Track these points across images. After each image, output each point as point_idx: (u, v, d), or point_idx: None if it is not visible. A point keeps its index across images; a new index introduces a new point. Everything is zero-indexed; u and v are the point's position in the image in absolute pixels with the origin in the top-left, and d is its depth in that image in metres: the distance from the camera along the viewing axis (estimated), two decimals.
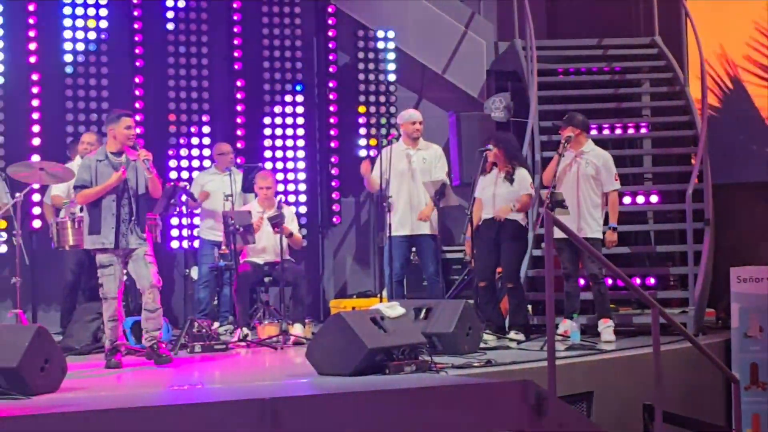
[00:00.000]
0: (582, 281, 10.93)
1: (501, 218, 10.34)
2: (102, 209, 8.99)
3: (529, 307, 11.02)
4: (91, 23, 12.92)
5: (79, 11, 12.88)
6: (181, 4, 13.33)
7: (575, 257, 10.43)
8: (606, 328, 10.27)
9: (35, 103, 12.63)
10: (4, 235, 11.43)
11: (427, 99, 14.40)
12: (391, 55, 14.19)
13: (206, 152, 13.14)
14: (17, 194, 10.40)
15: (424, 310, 9.40)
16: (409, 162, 11.03)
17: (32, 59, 12.67)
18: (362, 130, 13.99)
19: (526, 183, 10.43)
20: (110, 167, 9.06)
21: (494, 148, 10.44)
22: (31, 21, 12.69)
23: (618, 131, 13.56)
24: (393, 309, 8.46)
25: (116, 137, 9.12)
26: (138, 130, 11.20)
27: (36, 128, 12.59)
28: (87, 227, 9.13)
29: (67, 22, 12.85)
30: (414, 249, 11.24)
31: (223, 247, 11.07)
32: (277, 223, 10.77)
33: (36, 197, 12.21)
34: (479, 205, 10.56)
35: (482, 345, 9.57)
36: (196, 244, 12.19)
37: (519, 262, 10.66)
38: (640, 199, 12.93)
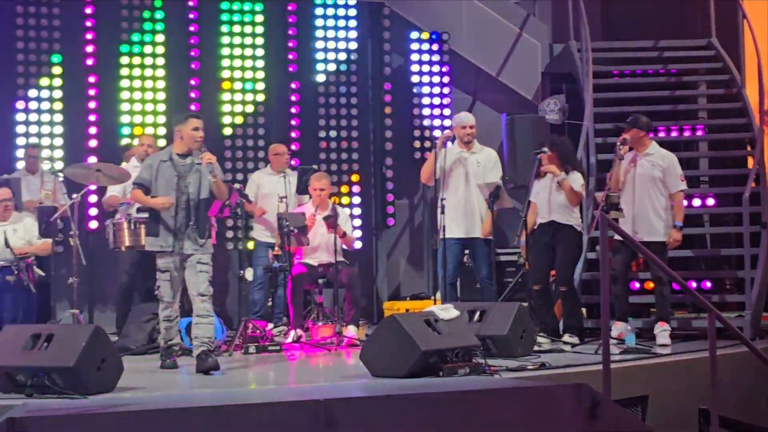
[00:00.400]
0: (637, 284, 10.86)
1: (552, 174, 10.31)
2: (161, 212, 8.85)
3: (584, 310, 10.96)
4: (148, 25, 13.04)
5: (136, 15, 13.01)
6: (236, 6, 13.40)
7: (628, 260, 10.40)
8: (662, 331, 10.19)
9: (92, 105, 12.77)
10: (62, 235, 11.53)
11: (481, 101, 14.38)
12: (446, 57, 14.17)
13: (261, 154, 13.19)
14: (74, 195, 10.50)
15: (478, 313, 9.38)
16: (463, 165, 11.00)
17: (89, 61, 12.81)
18: (416, 132, 13.98)
19: (577, 184, 10.36)
20: (173, 169, 8.88)
21: (549, 150, 10.39)
22: (88, 24, 12.84)
23: (674, 134, 13.48)
24: (447, 311, 8.46)
25: (183, 138, 8.93)
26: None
27: (93, 130, 12.73)
28: (146, 228, 9.10)
29: (124, 25, 12.99)
30: (467, 252, 11.21)
31: (277, 249, 11.11)
32: (330, 222, 10.79)
33: (93, 198, 12.33)
34: (534, 210, 10.51)
35: (536, 348, 9.54)
36: (251, 245, 12.23)
37: (573, 266, 10.62)
38: (696, 202, 12.84)
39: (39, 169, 11.81)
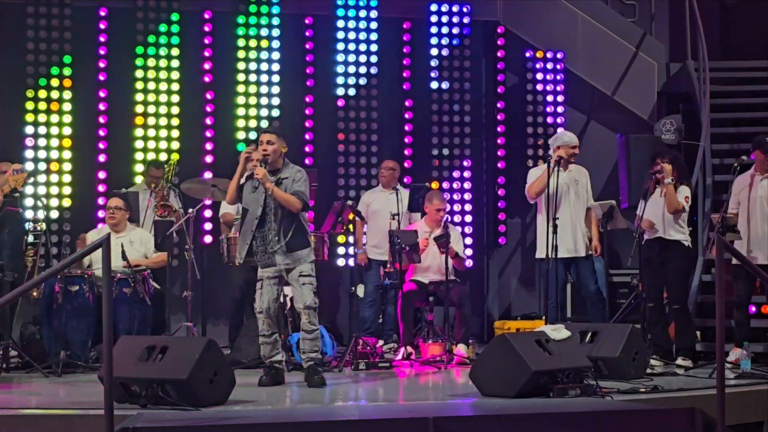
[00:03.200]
0: (753, 308, 10.65)
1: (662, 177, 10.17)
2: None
3: (698, 333, 10.77)
4: (264, 43, 13.20)
5: (252, 32, 13.19)
6: (352, 23, 13.49)
7: (748, 284, 10.19)
8: None
9: (208, 121, 12.96)
10: (177, 249, 11.70)
11: (595, 120, 14.26)
12: (560, 76, 14.08)
13: (374, 171, 13.24)
14: (190, 210, 10.65)
15: (589, 334, 9.29)
16: (564, 184, 10.80)
17: (206, 78, 13.01)
18: (530, 151, 13.91)
19: (681, 196, 10.20)
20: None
21: (669, 164, 10.24)
22: (206, 41, 13.05)
23: None
24: (559, 331, 8.40)
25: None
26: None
27: (209, 146, 12.90)
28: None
29: (240, 42, 13.17)
30: (570, 272, 11.03)
31: (389, 266, 11.13)
32: (442, 243, 10.79)
33: (208, 213, 12.48)
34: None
35: (649, 370, 9.41)
36: (365, 262, 12.25)
37: (684, 283, 10.43)
38: None
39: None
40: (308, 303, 8.94)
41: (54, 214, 12.42)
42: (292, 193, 8.92)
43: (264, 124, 13.05)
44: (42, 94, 12.59)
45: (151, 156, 12.63)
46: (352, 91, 13.48)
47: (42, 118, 12.55)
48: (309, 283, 8.97)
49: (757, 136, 10.46)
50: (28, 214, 11.48)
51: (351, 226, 11.53)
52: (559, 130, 13.35)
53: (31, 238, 10.92)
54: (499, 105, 13.96)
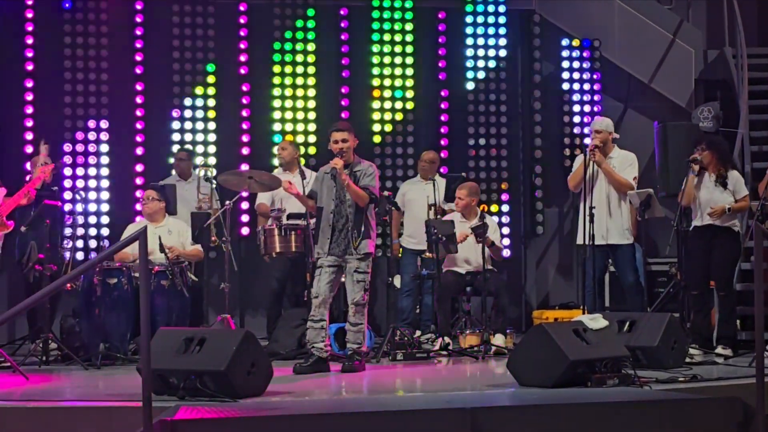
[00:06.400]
0: None
1: (714, 215, 10.05)
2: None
3: (738, 321, 10.70)
4: (300, 34, 13.20)
5: (288, 24, 13.20)
6: (387, 14, 13.48)
7: None
8: None
9: (245, 113, 12.98)
10: (216, 240, 11.75)
11: (632, 108, 14.17)
12: (597, 64, 14.01)
13: (410, 162, 13.23)
14: (227, 202, 10.68)
15: (627, 323, 9.23)
16: (595, 170, 10.70)
17: (242, 70, 13.05)
18: (566, 140, 13.85)
19: (741, 184, 10.12)
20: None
21: (706, 150, 10.16)
22: (241, 33, 13.07)
23: None
24: (596, 321, 8.35)
25: None
26: None
27: (245, 138, 12.94)
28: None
29: (276, 34, 13.18)
30: (610, 260, 10.97)
31: (426, 253, 11.09)
32: (480, 232, 10.75)
33: (245, 205, 12.52)
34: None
35: (688, 360, 9.35)
36: (399, 252, 12.27)
37: (732, 270, 10.33)
38: None
39: (192, 175, 12.04)
40: (357, 300, 9.28)
41: (92, 207, 12.49)
42: (362, 187, 9.33)
43: (300, 115, 13.08)
44: (80, 87, 12.68)
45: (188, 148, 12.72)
46: (387, 82, 13.47)
47: (80, 111, 12.64)
48: (362, 281, 9.29)
49: None
50: (67, 207, 11.56)
51: (387, 217, 11.52)
52: (596, 117, 13.30)
53: (69, 231, 11.00)
54: (535, 93, 13.90)
